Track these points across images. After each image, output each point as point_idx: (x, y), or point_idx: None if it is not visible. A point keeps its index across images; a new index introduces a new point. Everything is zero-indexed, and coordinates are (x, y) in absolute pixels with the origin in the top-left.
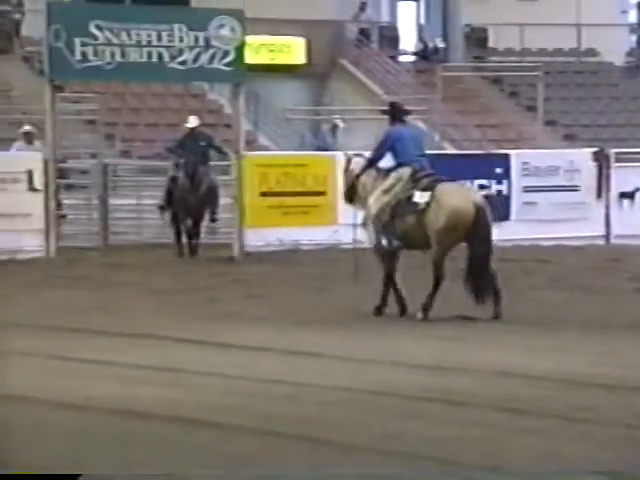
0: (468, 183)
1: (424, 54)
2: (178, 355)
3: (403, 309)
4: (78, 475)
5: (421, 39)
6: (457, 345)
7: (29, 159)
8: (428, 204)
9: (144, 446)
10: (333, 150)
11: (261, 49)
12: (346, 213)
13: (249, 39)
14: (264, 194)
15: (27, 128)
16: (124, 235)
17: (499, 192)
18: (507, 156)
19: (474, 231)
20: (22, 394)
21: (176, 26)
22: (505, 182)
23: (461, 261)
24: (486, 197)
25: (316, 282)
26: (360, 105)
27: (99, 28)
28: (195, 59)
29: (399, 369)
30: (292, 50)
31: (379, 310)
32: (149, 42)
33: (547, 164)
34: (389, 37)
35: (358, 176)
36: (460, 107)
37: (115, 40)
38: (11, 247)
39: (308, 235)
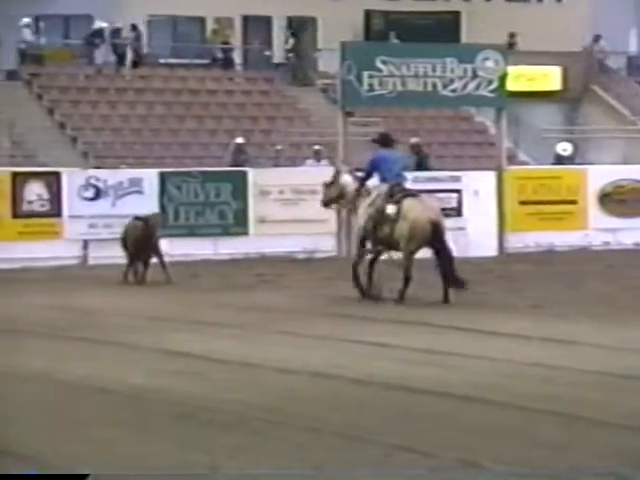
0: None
1: None
2: (447, 340)
3: (363, 294)
4: (86, 475)
5: None
6: None
7: (324, 173)
8: (397, 215)
9: (421, 418)
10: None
11: (521, 78)
12: (596, 219)
13: (510, 69)
14: (523, 203)
15: (317, 147)
16: None
17: None
18: None
19: (433, 238)
20: (322, 371)
21: (448, 60)
22: None
23: None
24: None
25: (569, 279)
26: (609, 125)
27: (384, 63)
28: (464, 87)
29: None
30: (549, 78)
31: (362, 295)
32: (425, 74)
33: None
34: (637, 65)
35: (358, 190)
36: None
37: (397, 72)
38: (310, 248)
39: (562, 238)
